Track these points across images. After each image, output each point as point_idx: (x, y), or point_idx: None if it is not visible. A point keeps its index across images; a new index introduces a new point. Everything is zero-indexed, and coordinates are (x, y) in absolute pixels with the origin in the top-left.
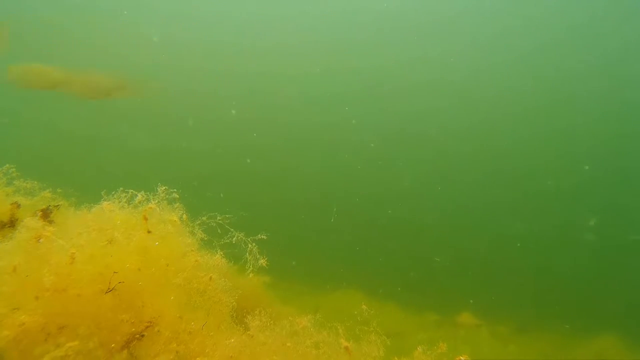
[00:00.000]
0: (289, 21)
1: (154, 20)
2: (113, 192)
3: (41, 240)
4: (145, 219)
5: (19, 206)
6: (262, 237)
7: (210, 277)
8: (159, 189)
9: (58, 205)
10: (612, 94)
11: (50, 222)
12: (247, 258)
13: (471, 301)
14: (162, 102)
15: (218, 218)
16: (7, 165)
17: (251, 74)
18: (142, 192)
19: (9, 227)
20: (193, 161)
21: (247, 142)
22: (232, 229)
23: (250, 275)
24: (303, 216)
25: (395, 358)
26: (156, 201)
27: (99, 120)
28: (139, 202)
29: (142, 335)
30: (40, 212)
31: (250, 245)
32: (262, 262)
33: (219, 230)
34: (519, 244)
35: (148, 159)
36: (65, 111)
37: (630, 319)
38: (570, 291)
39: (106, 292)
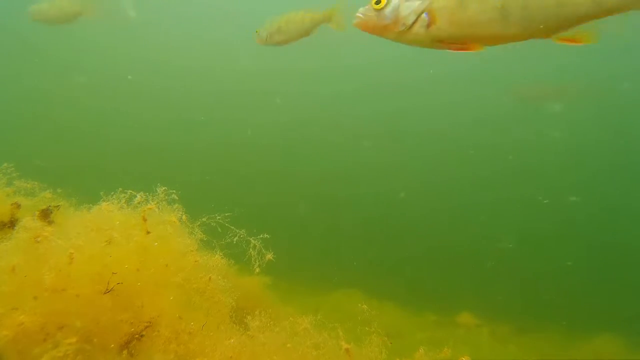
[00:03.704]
0: None
1: None
2: (112, 193)
3: (38, 239)
4: (144, 219)
5: (19, 206)
6: (265, 236)
7: (210, 278)
8: (158, 190)
9: (58, 206)
10: None
11: (50, 222)
12: (249, 256)
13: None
14: None
15: (218, 217)
16: (6, 164)
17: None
18: (141, 193)
19: (9, 227)
20: None
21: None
22: (233, 227)
23: (257, 270)
24: (305, 216)
25: (397, 359)
26: (155, 202)
27: None
28: (138, 203)
29: (142, 336)
30: (40, 213)
31: (253, 242)
32: (269, 256)
33: (219, 230)
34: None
35: None
36: None
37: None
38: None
39: (105, 293)
